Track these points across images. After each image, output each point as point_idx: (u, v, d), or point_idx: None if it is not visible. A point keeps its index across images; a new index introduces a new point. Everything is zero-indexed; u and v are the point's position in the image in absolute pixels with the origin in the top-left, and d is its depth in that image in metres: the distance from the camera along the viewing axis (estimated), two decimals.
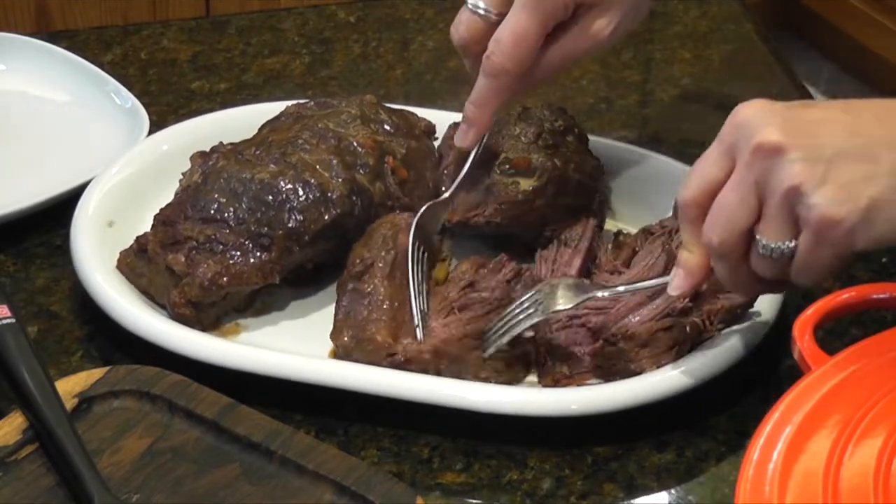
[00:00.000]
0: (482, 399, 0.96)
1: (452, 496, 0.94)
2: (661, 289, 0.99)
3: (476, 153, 1.09)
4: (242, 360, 0.98)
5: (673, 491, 0.95)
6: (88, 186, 1.11)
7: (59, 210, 1.13)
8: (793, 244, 0.88)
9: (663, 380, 0.97)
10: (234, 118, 1.20)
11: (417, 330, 0.99)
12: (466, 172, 1.08)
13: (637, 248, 1.06)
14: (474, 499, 0.94)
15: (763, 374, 1.02)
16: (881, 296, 0.98)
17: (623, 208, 1.15)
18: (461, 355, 0.99)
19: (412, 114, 1.16)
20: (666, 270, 1.01)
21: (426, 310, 1.01)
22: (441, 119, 1.17)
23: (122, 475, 0.89)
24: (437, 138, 1.16)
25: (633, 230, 1.09)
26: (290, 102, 1.15)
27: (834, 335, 1.02)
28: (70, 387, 0.93)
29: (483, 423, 0.97)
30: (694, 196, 0.91)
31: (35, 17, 2.06)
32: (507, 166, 1.09)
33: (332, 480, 0.88)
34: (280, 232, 1.03)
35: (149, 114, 1.23)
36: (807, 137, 0.87)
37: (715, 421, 0.99)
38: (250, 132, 1.13)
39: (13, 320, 0.95)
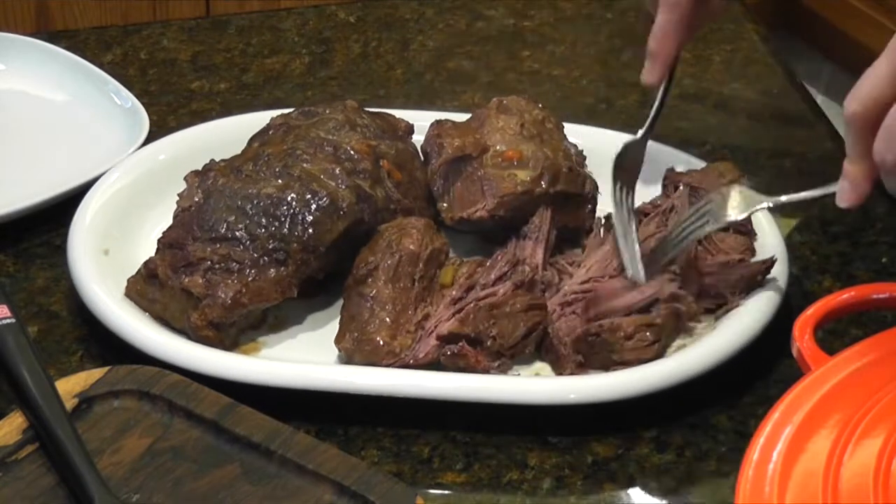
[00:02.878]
0: (481, 387, 0.97)
1: (452, 496, 0.94)
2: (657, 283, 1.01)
3: (665, 88, 1.12)
4: (245, 372, 0.98)
5: (673, 491, 0.95)
6: (77, 211, 1.10)
7: (59, 210, 1.13)
8: None
9: (663, 370, 0.98)
10: (213, 132, 1.19)
11: (635, 276, 1.01)
12: (657, 108, 1.12)
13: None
14: (474, 499, 0.94)
15: (763, 374, 1.02)
16: (881, 296, 0.98)
17: (606, 191, 1.14)
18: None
19: (391, 115, 1.16)
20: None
21: (639, 252, 1.03)
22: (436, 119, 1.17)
23: (122, 475, 0.89)
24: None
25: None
26: (275, 112, 1.15)
27: (834, 335, 1.02)
28: (70, 387, 0.93)
29: (483, 420, 0.97)
30: (864, 111, 0.91)
31: (35, 17, 2.06)
32: (500, 159, 1.09)
33: (332, 480, 0.88)
34: (295, 245, 1.02)
35: (149, 114, 1.23)
36: None
37: (715, 421, 0.99)
38: (236, 145, 1.12)
39: (13, 320, 0.95)
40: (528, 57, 1.39)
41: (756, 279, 1.03)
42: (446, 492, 0.94)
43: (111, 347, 1.02)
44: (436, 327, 1.00)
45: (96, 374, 0.95)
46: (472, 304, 1.00)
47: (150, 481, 0.89)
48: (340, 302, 1.04)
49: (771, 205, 1.01)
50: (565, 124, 1.15)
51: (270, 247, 1.02)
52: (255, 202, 1.04)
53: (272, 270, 1.02)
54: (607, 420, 0.98)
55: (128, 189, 1.13)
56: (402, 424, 0.98)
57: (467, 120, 1.15)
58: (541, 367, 1.02)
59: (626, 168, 1.09)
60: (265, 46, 1.39)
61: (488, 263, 1.04)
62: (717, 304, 1.03)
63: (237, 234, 1.03)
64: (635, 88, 1.33)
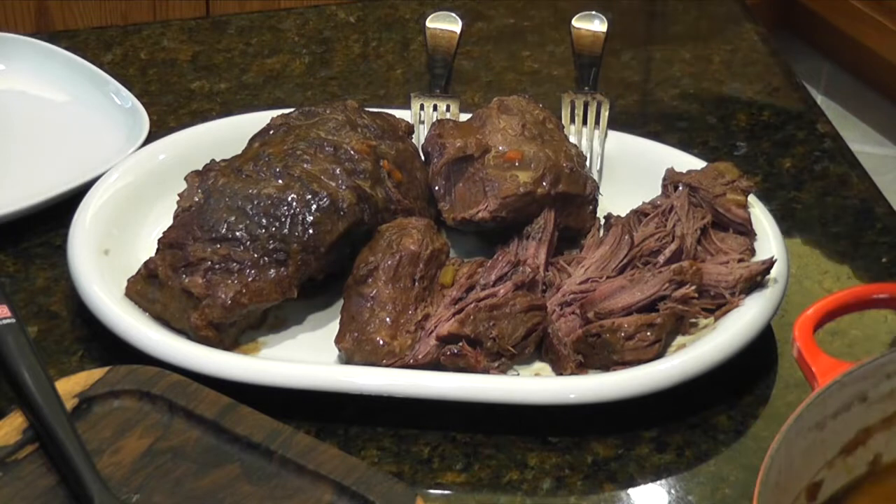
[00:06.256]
0: (481, 387, 0.97)
1: (452, 496, 0.94)
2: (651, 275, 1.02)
3: None
4: (245, 371, 0.98)
5: (673, 491, 0.95)
6: (77, 211, 1.09)
7: (59, 210, 1.13)
8: None
9: (663, 370, 0.98)
10: (213, 132, 1.19)
11: None
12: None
13: (630, 230, 1.06)
14: (474, 499, 0.94)
15: (763, 374, 1.02)
16: (881, 296, 0.97)
17: (606, 192, 1.14)
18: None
19: (391, 115, 1.16)
20: (671, 255, 1.04)
21: None
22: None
23: (122, 475, 0.89)
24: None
25: (622, 213, 1.10)
26: (275, 112, 1.15)
27: (834, 335, 1.02)
28: (70, 387, 0.93)
29: (483, 420, 0.97)
30: None
31: (35, 17, 2.06)
32: (502, 160, 1.09)
33: (332, 480, 0.88)
34: (295, 245, 1.02)
35: (149, 114, 1.23)
36: None
37: (715, 421, 0.99)
38: (236, 145, 1.12)
39: (13, 320, 0.95)
40: (528, 57, 1.38)
41: (756, 279, 1.03)
42: (446, 492, 0.94)
43: (111, 347, 1.02)
44: (436, 327, 1.00)
45: (96, 374, 0.95)
46: (472, 305, 1.00)
47: (150, 481, 0.89)
48: (340, 302, 1.04)
49: None
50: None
51: (271, 247, 1.02)
52: (255, 202, 1.04)
53: (272, 271, 1.02)
54: (607, 420, 0.98)
55: (128, 189, 1.13)
56: (402, 424, 0.98)
57: (468, 120, 1.15)
58: (541, 367, 1.02)
59: None
60: (265, 46, 1.39)
61: (489, 264, 1.04)
62: (717, 304, 1.03)
63: (237, 234, 1.03)
64: (635, 88, 1.33)
